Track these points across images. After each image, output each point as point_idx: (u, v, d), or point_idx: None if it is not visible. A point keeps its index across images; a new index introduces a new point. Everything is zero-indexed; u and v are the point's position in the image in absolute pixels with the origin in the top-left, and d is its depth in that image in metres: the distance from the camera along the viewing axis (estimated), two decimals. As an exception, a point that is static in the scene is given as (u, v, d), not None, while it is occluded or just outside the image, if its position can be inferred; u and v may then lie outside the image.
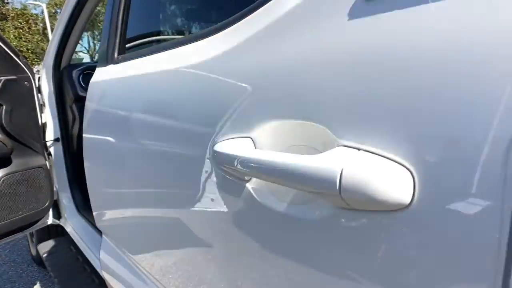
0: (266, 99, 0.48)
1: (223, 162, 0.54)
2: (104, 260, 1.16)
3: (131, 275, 0.99)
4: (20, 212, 1.67)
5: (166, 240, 0.85)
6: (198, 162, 0.63)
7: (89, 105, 1.03)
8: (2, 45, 1.57)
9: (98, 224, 1.13)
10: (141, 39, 1.40)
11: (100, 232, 1.66)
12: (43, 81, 1.89)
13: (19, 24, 23.31)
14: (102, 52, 0.99)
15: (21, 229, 1.69)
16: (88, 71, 1.85)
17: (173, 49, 0.74)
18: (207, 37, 0.64)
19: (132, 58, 0.88)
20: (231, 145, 0.51)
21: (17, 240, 2.99)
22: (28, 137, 1.71)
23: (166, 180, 0.78)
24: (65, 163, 1.93)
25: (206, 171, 0.60)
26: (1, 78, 1.60)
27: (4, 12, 23.17)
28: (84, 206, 1.95)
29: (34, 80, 1.75)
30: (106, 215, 1.09)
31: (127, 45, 1.03)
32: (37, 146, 1.75)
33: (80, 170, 2.02)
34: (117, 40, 0.95)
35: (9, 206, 1.62)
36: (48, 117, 1.90)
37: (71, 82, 1.78)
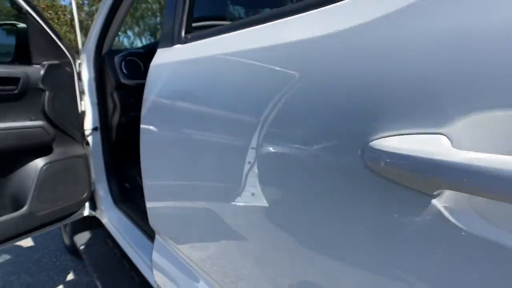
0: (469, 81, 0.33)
1: (393, 167, 0.37)
2: (157, 261, 1.08)
3: (189, 278, 0.91)
4: (60, 203, 1.62)
5: (241, 248, 0.74)
6: (321, 163, 0.47)
7: (150, 91, 0.91)
8: (46, 28, 1.51)
9: (152, 223, 1.04)
10: (214, 14, 1.29)
11: (140, 227, 1.59)
12: (83, 67, 1.83)
13: (49, 15, 23.90)
14: (166, 31, 0.88)
15: (59, 220, 1.65)
16: (130, 57, 1.77)
17: (272, 21, 0.62)
18: (330, 3, 0.51)
19: (207, 36, 0.77)
20: (408, 143, 0.36)
21: (50, 227, 3.00)
22: (69, 125, 1.65)
23: (266, 184, 0.60)
24: (103, 153, 1.88)
25: (349, 177, 0.44)
26: (45, 62, 1.55)
27: (36, 4, 23.89)
28: (121, 198, 1.90)
29: (75, 65, 1.69)
30: (164, 215, 1.01)
31: (195, 23, 0.92)
32: (76, 134, 1.70)
33: (117, 161, 1.96)
34: (185, 17, 0.85)
35: (50, 196, 1.57)
36: (87, 105, 1.85)
37: (113, 69, 1.71)
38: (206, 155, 0.74)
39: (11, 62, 1.59)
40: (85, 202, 1.75)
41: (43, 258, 2.52)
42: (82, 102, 1.80)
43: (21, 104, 1.47)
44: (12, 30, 1.66)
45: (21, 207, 1.49)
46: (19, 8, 1.45)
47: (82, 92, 1.80)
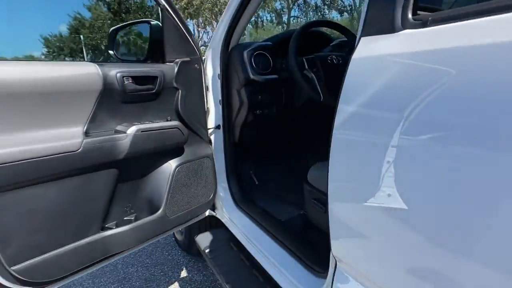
0: None
1: None
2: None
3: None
4: (189, 205, 1.56)
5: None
6: None
7: (356, 91, 0.72)
8: (180, 24, 1.43)
9: (335, 251, 0.88)
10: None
11: (273, 237, 1.45)
12: (208, 63, 1.75)
13: (139, 16, 25.99)
14: (377, 13, 0.68)
15: (186, 221, 1.60)
16: (260, 51, 1.64)
17: None
18: None
19: (464, 17, 0.56)
20: None
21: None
22: (197, 124, 1.58)
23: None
24: (224, 153, 1.79)
25: None
26: (178, 59, 1.48)
27: (128, 6, 26.11)
28: (242, 200, 1.80)
29: (202, 62, 1.60)
30: (355, 246, 0.83)
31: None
32: (204, 133, 1.63)
33: (236, 161, 1.86)
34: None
35: (181, 198, 1.52)
36: (210, 102, 1.77)
37: (242, 64, 1.60)
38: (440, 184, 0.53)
39: (144, 61, 1.57)
40: (211, 203, 1.68)
41: (155, 252, 2.58)
42: (207, 100, 1.72)
43: (157, 104, 1.42)
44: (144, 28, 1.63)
45: (156, 209, 1.46)
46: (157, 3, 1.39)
47: (206, 89, 1.72)
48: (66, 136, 1.13)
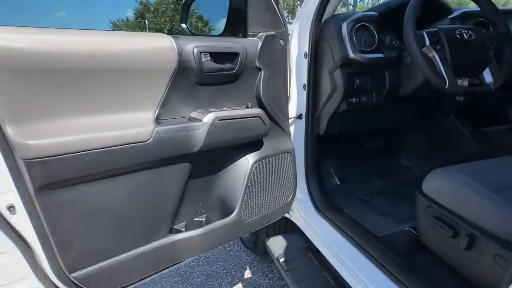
0: None
1: None
2: None
3: None
4: (266, 207, 1.33)
5: None
6: None
7: None
8: None
9: None
10: None
11: (369, 255, 1.17)
12: (293, 39, 1.47)
13: None
14: None
15: (261, 225, 1.37)
16: (363, 23, 1.32)
17: None
18: None
19: None
20: None
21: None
22: (279, 112, 1.32)
23: None
24: (305, 147, 1.51)
25: None
26: (261, 33, 1.22)
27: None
28: (323, 202, 1.52)
29: (289, 37, 1.33)
30: None
31: None
32: (285, 124, 1.36)
33: (318, 157, 1.58)
34: None
35: (258, 200, 1.29)
36: (292, 86, 1.50)
37: (339, 39, 1.30)
38: None
39: (222, 35, 1.33)
40: (289, 206, 1.43)
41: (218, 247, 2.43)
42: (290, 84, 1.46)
43: (236, 87, 1.19)
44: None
45: (229, 211, 1.24)
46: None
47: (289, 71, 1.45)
48: (135, 122, 0.94)
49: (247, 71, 1.19)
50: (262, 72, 1.23)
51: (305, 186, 1.59)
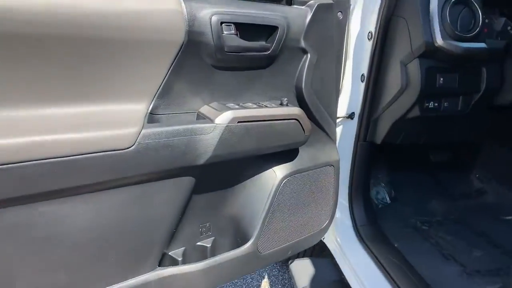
0: None
1: None
2: None
3: None
4: (294, 236, 1.01)
5: None
6: None
7: None
8: None
9: None
10: None
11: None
12: (353, 14, 1.09)
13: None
14: None
15: (282, 257, 1.07)
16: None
17: None
18: None
19: None
20: None
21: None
22: (325, 112, 0.98)
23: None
24: (353, 156, 1.16)
25: None
26: (312, 1, 0.86)
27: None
28: (367, 229, 1.18)
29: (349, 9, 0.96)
30: None
31: None
32: (331, 127, 1.02)
33: (368, 168, 1.23)
34: None
35: (284, 225, 0.98)
36: (346, 76, 1.13)
37: (424, 17, 0.90)
38: None
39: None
40: (324, 233, 1.11)
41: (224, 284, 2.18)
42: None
43: (268, 74, 0.86)
44: None
45: (244, 237, 0.94)
46: None
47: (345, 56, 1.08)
48: (117, 119, 0.65)
49: (287, 53, 0.85)
50: (308, 55, 0.88)
51: (346, 203, 1.25)
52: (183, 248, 0.91)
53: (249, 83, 0.84)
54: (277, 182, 0.92)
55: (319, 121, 0.97)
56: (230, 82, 0.81)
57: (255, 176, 0.94)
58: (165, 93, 0.72)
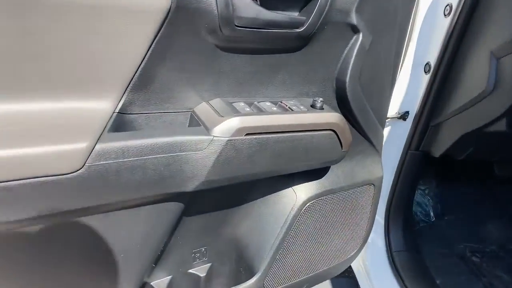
0: None
1: None
2: None
3: None
4: (314, 267, 0.79)
5: None
6: None
7: None
8: None
9: None
10: None
11: None
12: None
13: None
14: None
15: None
16: None
17: None
18: None
19: None
20: None
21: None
22: (373, 116, 0.71)
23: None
24: (398, 168, 0.91)
25: None
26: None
27: None
28: (404, 258, 0.96)
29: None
30: None
31: None
32: (378, 136, 0.76)
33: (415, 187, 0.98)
34: None
35: (302, 258, 0.75)
36: (404, 66, 0.85)
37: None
38: None
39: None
40: (353, 260, 0.88)
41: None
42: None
43: (299, 60, 0.59)
44: None
45: (249, 270, 0.73)
46: None
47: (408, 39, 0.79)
48: (60, 125, 0.43)
49: (329, 31, 0.59)
50: (360, 35, 0.61)
51: (381, 221, 1.02)
52: (169, 277, 0.71)
53: (269, 73, 0.58)
54: (297, 205, 0.69)
55: (362, 127, 0.71)
56: (241, 70, 0.56)
57: (270, 195, 0.71)
58: (143, 83, 0.48)
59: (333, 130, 0.59)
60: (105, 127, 0.46)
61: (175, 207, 0.57)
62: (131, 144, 0.45)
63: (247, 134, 0.51)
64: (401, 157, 0.92)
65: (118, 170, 0.45)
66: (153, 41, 0.46)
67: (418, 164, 0.93)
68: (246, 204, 0.71)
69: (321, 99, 0.59)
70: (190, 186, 0.51)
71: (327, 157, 0.63)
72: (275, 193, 0.70)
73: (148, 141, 0.46)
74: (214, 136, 0.49)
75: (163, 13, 0.45)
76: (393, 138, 0.93)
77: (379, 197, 0.82)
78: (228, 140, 0.50)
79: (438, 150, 0.87)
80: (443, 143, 0.85)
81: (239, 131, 0.50)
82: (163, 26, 0.46)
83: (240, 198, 0.70)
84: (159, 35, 0.46)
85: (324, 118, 0.58)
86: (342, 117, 0.61)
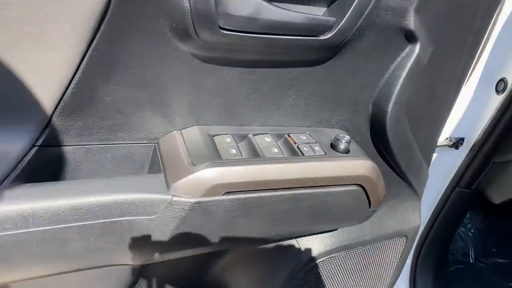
0: None
1: None
2: None
3: None
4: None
5: None
6: None
7: None
8: None
9: None
10: None
11: None
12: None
13: None
14: None
15: None
16: None
17: None
18: None
19: None
20: None
21: None
22: (417, 153, 0.51)
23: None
24: (441, 203, 0.72)
25: None
26: None
27: None
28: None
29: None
30: None
31: None
32: (421, 176, 0.56)
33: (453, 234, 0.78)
34: None
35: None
36: (470, 82, 0.63)
37: None
38: None
39: None
40: None
41: None
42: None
43: (320, 78, 0.39)
44: None
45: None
46: None
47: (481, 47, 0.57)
48: None
49: (369, 39, 0.38)
50: (418, 45, 0.40)
51: (407, 263, 0.83)
52: None
53: (274, 93, 0.40)
54: (304, 260, 0.52)
55: (401, 167, 0.52)
56: (232, 89, 0.38)
57: (269, 246, 0.54)
58: (78, 104, 0.32)
59: (361, 185, 0.41)
60: (8, 175, 0.30)
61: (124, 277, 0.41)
62: (40, 207, 0.29)
63: (226, 194, 0.34)
64: (444, 194, 0.73)
65: (20, 245, 0.29)
66: (92, 40, 0.29)
67: (465, 205, 0.73)
68: (234, 252, 0.55)
69: (346, 137, 0.41)
70: (137, 259, 0.35)
71: (348, 219, 0.45)
72: (277, 243, 0.53)
73: (69, 202, 0.30)
74: (174, 195, 0.32)
75: (102, 3, 0.27)
76: (438, 168, 0.72)
77: (410, 250, 0.64)
78: (195, 203, 0.33)
79: (499, 196, 0.66)
80: (509, 188, 0.64)
81: (214, 189, 0.33)
82: (105, 19, 0.29)
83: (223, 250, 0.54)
84: (99, 33, 0.29)
85: (349, 169, 0.40)
86: (375, 166, 0.42)
